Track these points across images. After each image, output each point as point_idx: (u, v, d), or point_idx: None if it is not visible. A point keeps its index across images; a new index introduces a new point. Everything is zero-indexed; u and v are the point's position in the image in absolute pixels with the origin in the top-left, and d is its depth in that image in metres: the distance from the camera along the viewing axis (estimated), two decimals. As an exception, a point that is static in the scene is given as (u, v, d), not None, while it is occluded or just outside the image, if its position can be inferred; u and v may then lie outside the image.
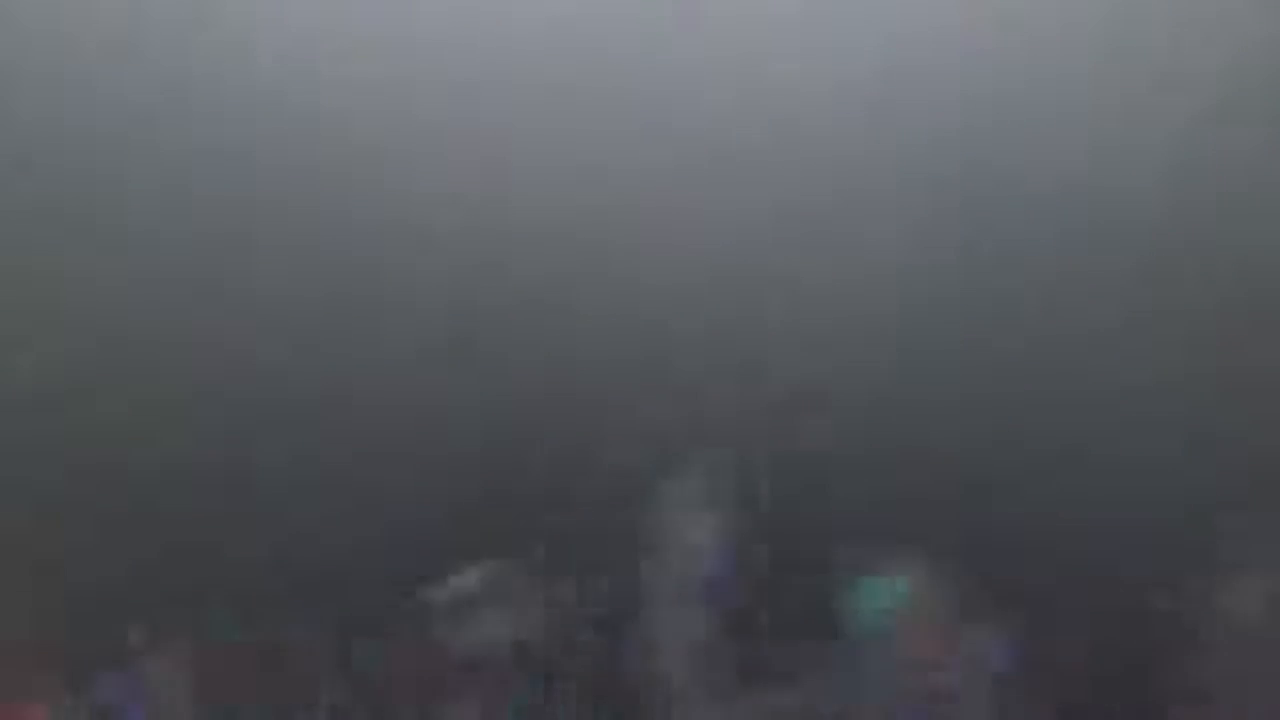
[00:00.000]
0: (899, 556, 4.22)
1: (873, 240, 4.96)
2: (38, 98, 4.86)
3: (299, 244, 4.99)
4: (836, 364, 4.79)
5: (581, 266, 5.01)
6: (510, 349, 5.05)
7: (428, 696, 4.40)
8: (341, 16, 4.83)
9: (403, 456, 4.93)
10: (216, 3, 4.86)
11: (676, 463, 4.74)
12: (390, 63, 4.85)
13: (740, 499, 4.30)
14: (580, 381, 5.00)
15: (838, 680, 4.12)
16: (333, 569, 4.77)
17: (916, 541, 4.53)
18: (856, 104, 4.86)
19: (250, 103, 4.88)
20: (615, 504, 4.54)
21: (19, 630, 4.11)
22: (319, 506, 4.92)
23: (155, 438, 4.90)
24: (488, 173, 4.92)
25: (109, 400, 4.89)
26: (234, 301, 5.02)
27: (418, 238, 4.96)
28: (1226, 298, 4.74)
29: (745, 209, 5.01)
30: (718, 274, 5.01)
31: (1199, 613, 4.38)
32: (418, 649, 4.52)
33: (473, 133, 4.89)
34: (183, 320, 4.98)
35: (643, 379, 4.97)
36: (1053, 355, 4.88)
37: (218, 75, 4.88)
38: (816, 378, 4.70)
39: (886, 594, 4.16)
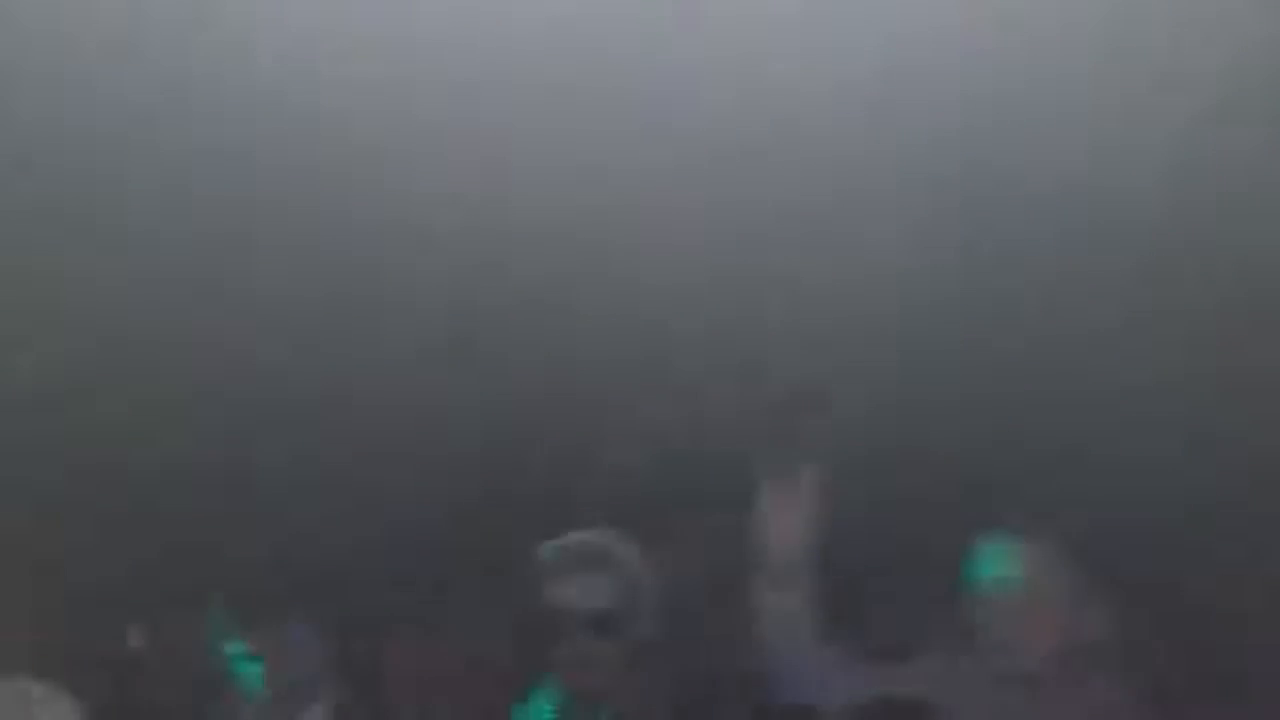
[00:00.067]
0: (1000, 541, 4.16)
1: (873, 240, 4.96)
2: (38, 98, 4.86)
3: (299, 244, 5.00)
4: (836, 364, 4.79)
5: (581, 266, 5.02)
6: (510, 349, 5.05)
7: (431, 696, 4.40)
8: (341, 16, 4.83)
9: (403, 456, 4.93)
10: (216, 3, 4.86)
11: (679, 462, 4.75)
12: (390, 63, 4.85)
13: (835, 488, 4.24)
14: (580, 381, 5.01)
15: (934, 658, 4.07)
16: (333, 569, 4.77)
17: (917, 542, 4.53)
18: (856, 104, 4.86)
19: (250, 103, 4.87)
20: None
21: (19, 630, 4.11)
22: (319, 506, 4.92)
23: (155, 438, 4.90)
24: (488, 173, 4.92)
25: (109, 400, 4.89)
26: (234, 301, 5.02)
27: (418, 238, 4.97)
28: (1226, 298, 4.74)
29: (745, 209, 5.01)
30: (718, 274, 5.01)
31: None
32: (420, 648, 4.52)
33: (473, 133, 4.89)
34: (183, 320, 4.98)
35: (643, 379, 4.98)
36: (1053, 355, 4.88)
37: (217, 75, 4.87)
38: (816, 378, 4.69)
39: (995, 573, 4.09)
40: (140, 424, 4.90)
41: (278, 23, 4.86)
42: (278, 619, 4.42)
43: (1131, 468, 4.63)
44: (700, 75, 4.92)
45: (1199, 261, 4.78)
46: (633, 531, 4.12)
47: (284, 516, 4.86)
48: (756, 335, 4.97)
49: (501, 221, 4.98)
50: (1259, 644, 4.47)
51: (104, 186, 4.96)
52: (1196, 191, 4.77)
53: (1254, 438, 4.68)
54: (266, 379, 4.96)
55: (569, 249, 5.01)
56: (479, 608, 4.59)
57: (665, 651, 4.03)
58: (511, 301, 5.05)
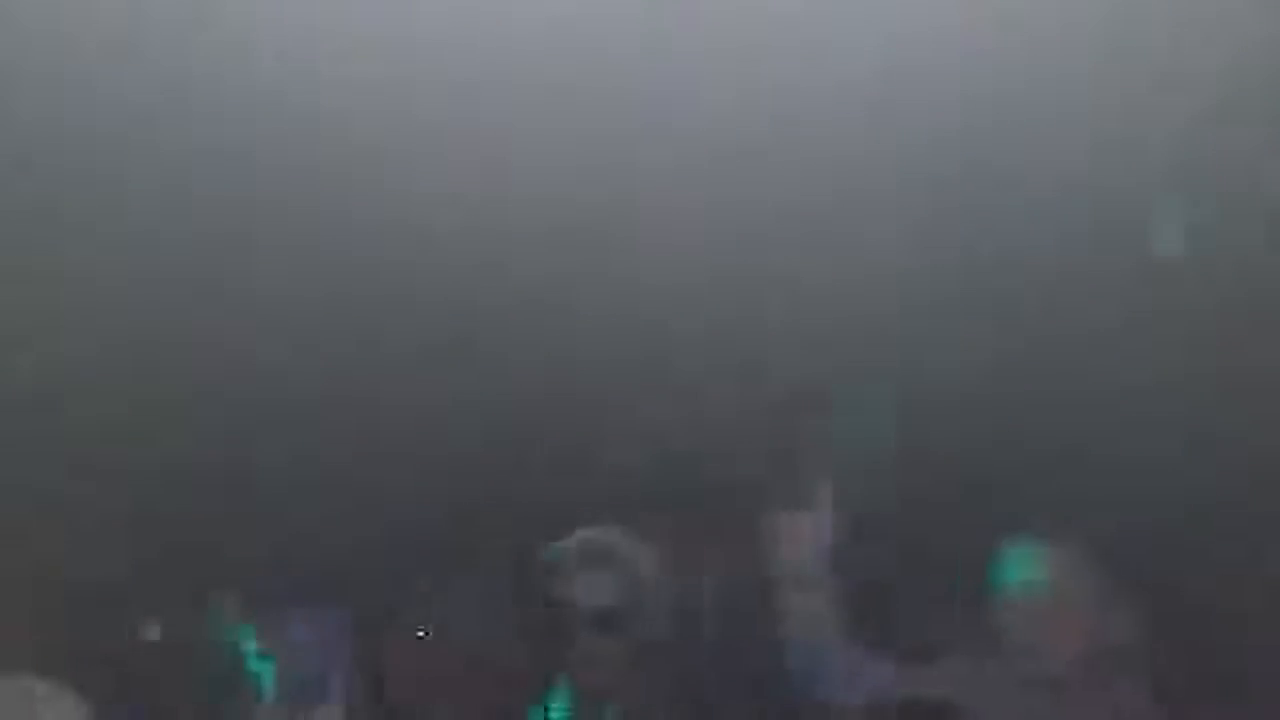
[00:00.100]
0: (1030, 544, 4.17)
1: (872, 240, 4.96)
2: (37, 98, 4.86)
3: (299, 244, 4.99)
4: (836, 364, 4.79)
5: (581, 266, 5.01)
6: (510, 349, 5.05)
7: (440, 696, 4.39)
8: (341, 16, 4.83)
9: (402, 456, 4.93)
10: (216, 2, 4.86)
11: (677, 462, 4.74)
12: (390, 63, 4.85)
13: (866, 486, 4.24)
14: (580, 381, 5.01)
15: (959, 660, 4.06)
16: (338, 567, 4.77)
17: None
18: (856, 104, 4.86)
19: (250, 103, 4.87)
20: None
21: (21, 629, 4.11)
22: (319, 506, 4.92)
23: (155, 438, 4.90)
24: (487, 173, 4.92)
25: (109, 400, 4.89)
26: (234, 301, 5.02)
27: (418, 238, 4.96)
28: (1226, 298, 4.74)
29: (745, 209, 5.01)
30: (718, 274, 5.01)
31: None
32: (428, 648, 4.52)
33: (472, 133, 4.89)
34: (183, 320, 4.98)
35: (643, 379, 4.98)
36: (1053, 355, 4.88)
37: (218, 75, 4.88)
38: (816, 378, 4.70)
39: (1021, 576, 4.08)
40: (140, 424, 4.90)
41: (277, 22, 4.86)
42: (287, 618, 4.42)
43: (1131, 468, 4.63)
44: (700, 75, 4.92)
45: (1199, 261, 4.79)
46: (636, 530, 4.12)
47: (285, 516, 4.85)
48: (756, 335, 4.97)
49: (501, 221, 4.97)
50: (1259, 644, 4.46)
51: (104, 186, 4.96)
52: (1196, 191, 4.77)
53: (1254, 438, 4.67)
54: (266, 379, 4.96)
55: (569, 249, 5.01)
56: (482, 607, 4.58)
57: (673, 651, 4.03)
58: (511, 301, 5.05)
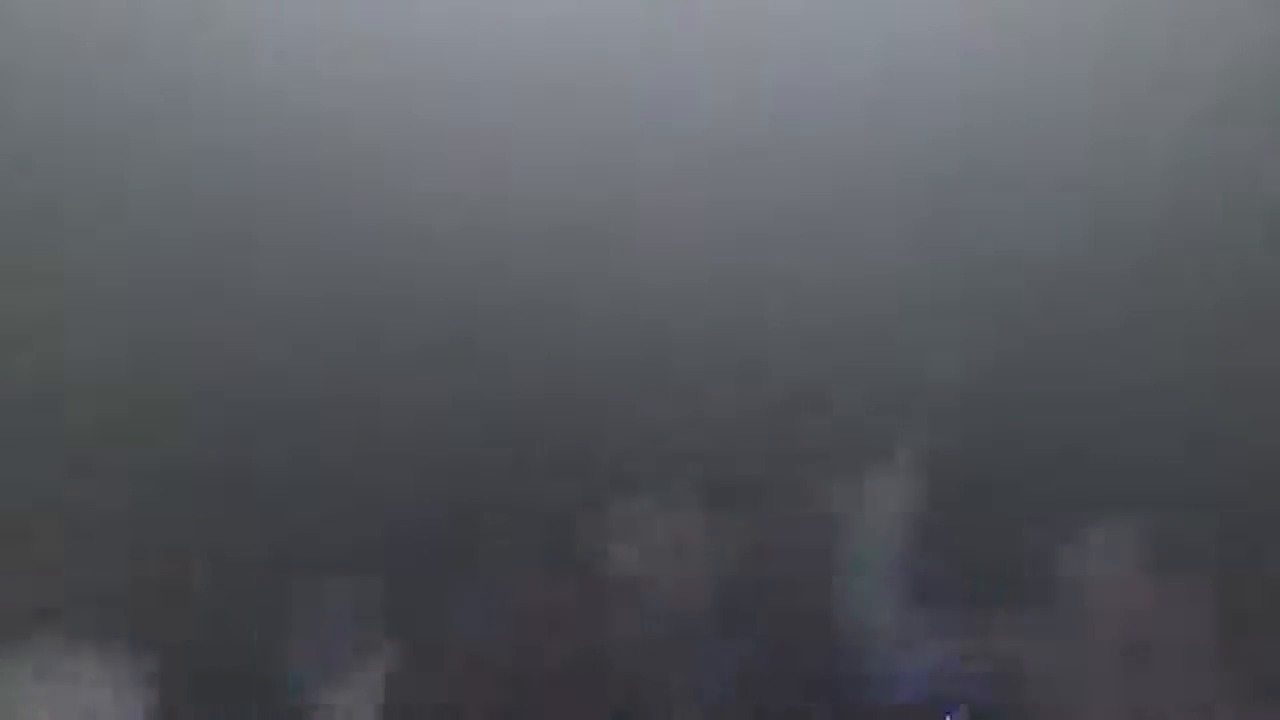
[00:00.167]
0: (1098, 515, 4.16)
1: (873, 240, 4.95)
2: (38, 98, 4.85)
3: (299, 244, 4.99)
4: (836, 364, 4.78)
5: (581, 266, 5.01)
6: (510, 349, 5.04)
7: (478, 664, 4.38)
8: (341, 17, 4.82)
9: (403, 456, 4.93)
10: (216, 3, 4.85)
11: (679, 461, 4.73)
12: (390, 63, 4.84)
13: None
14: (580, 381, 5.00)
15: (1026, 623, 4.05)
16: (368, 542, 4.75)
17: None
18: (856, 104, 4.85)
19: (250, 103, 4.87)
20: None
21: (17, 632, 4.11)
22: (319, 507, 4.91)
23: (155, 438, 4.89)
24: (488, 173, 4.91)
25: (109, 400, 4.88)
26: (234, 301, 5.01)
27: (418, 238, 4.95)
28: (1226, 297, 4.74)
29: (745, 209, 5.00)
30: (717, 274, 5.00)
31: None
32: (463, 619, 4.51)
33: (473, 133, 4.88)
34: (183, 320, 4.97)
35: (643, 379, 4.97)
36: (1053, 355, 4.87)
37: (218, 75, 4.87)
38: (816, 378, 4.69)
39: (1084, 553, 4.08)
40: (140, 424, 4.89)
41: (277, 23, 4.85)
42: (324, 588, 4.41)
43: (1130, 468, 4.62)
44: (700, 75, 4.91)
45: (1199, 261, 4.77)
46: (674, 500, 4.09)
47: (284, 516, 4.85)
48: (756, 335, 4.96)
49: (501, 222, 4.96)
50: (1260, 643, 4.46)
51: (104, 186, 4.95)
52: (1196, 191, 4.76)
53: (1254, 438, 4.67)
54: (266, 379, 4.95)
55: (569, 249, 5.00)
56: (518, 580, 4.57)
57: (716, 622, 4.00)
58: (511, 301, 5.04)
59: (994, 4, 4.79)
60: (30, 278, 4.96)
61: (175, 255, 4.97)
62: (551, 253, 5.03)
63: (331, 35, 4.92)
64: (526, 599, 4.50)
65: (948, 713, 4.03)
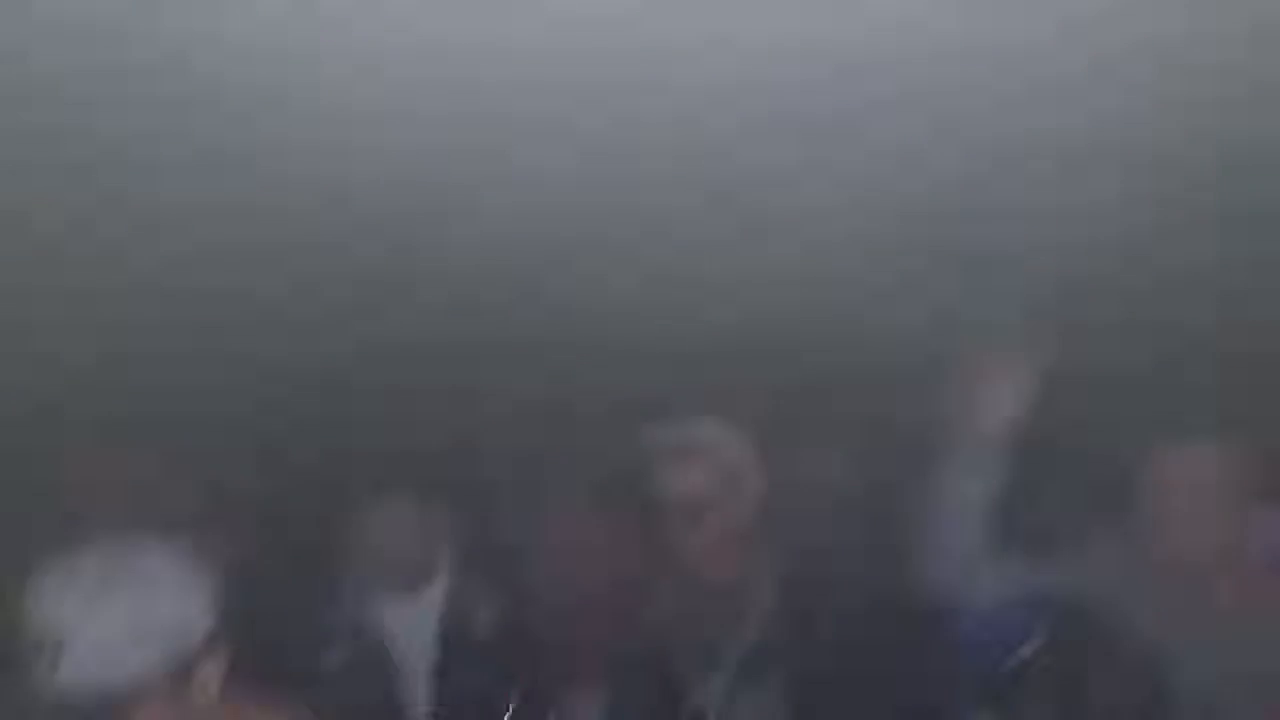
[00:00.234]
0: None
1: (873, 239, 4.96)
2: (38, 98, 4.88)
3: (299, 244, 5.01)
4: (836, 363, 4.79)
5: (581, 266, 5.03)
6: (510, 348, 5.07)
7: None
8: (342, 17, 4.84)
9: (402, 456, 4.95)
10: (217, 3, 4.87)
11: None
12: (391, 63, 4.86)
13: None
14: (580, 380, 5.02)
15: (1094, 551, 3.96)
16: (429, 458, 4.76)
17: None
18: (857, 102, 4.86)
19: (250, 102, 4.89)
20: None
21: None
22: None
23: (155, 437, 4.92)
24: (487, 172, 4.93)
25: (109, 400, 4.92)
26: (234, 301, 5.04)
27: (418, 237, 4.98)
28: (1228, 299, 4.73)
29: (745, 208, 5.02)
30: (716, 273, 5.02)
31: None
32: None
33: (472, 132, 4.90)
34: (183, 319, 5.00)
35: (642, 379, 4.98)
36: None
37: (219, 75, 4.89)
38: (816, 377, 4.70)
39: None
40: (140, 424, 4.92)
41: (278, 23, 4.87)
42: (385, 503, 4.41)
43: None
44: (700, 75, 4.92)
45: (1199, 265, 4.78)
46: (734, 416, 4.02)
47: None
48: (756, 334, 4.97)
49: (502, 221, 4.99)
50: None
51: (104, 186, 4.98)
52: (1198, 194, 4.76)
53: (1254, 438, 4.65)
54: (266, 378, 4.98)
55: (570, 249, 5.02)
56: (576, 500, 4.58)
57: (773, 546, 3.94)
58: (511, 301, 5.07)
59: (994, 4, 4.78)
60: (30, 276, 5.01)
61: (175, 255, 5.01)
62: (552, 252, 5.06)
63: (332, 35, 4.93)
64: (578, 527, 4.49)
65: (1019, 643, 3.89)
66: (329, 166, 5.01)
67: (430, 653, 4.37)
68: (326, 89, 4.88)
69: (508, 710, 4.21)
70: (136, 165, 5.02)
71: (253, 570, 3.92)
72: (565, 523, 4.57)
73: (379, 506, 4.38)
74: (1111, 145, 4.83)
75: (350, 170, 5.04)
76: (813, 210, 5.01)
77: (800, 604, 3.87)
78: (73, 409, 4.87)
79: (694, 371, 4.30)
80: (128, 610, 2.61)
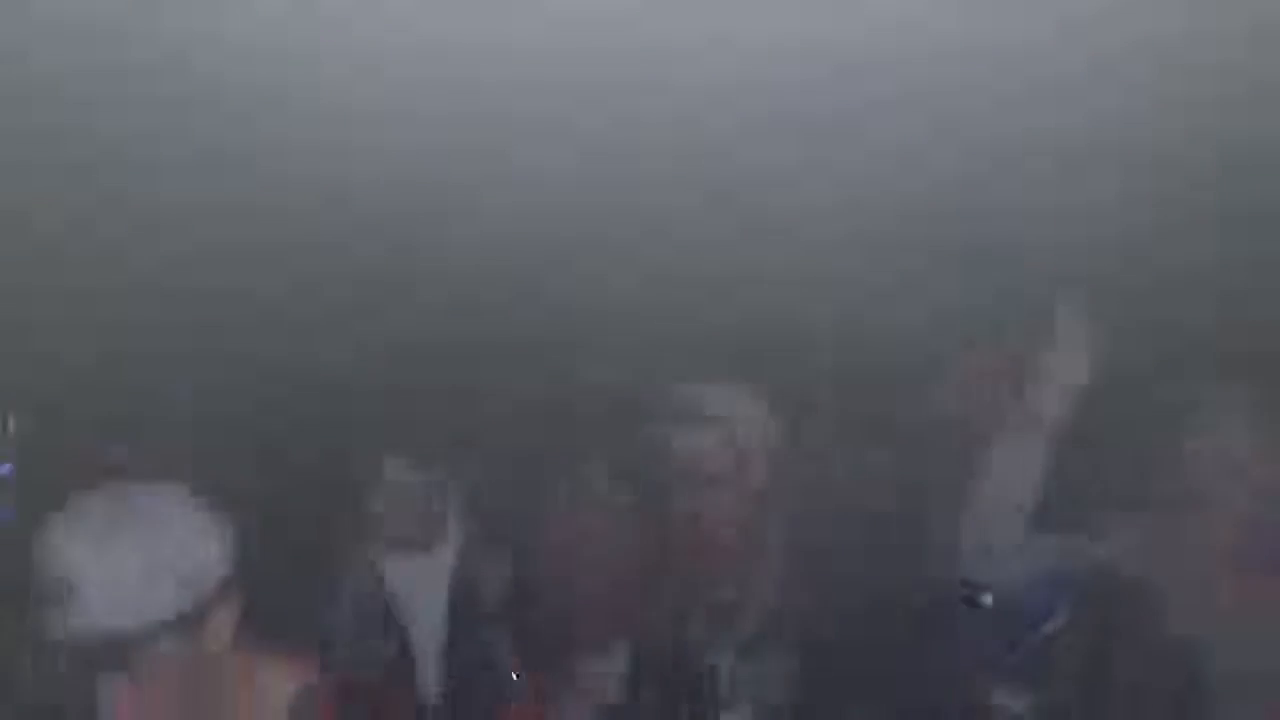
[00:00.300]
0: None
1: (873, 238, 4.96)
2: (38, 97, 4.88)
3: (299, 244, 5.01)
4: (836, 363, 4.79)
5: (582, 266, 5.03)
6: (511, 348, 5.07)
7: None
8: (342, 18, 4.84)
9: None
10: (219, 3, 4.88)
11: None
12: (391, 64, 4.86)
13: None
14: (579, 380, 5.02)
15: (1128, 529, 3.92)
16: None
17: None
18: (857, 100, 4.86)
19: (250, 103, 4.89)
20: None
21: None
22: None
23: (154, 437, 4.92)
24: (487, 172, 4.94)
25: (109, 400, 4.92)
26: (234, 301, 5.04)
27: (417, 237, 4.98)
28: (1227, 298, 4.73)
29: (745, 208, 5.02)
30: (716, 272, 5.02)
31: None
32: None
33: (472, 132, 4.90)
34: (182, 320, 5.00)
35: (641, 379, 4.98)
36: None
37: (219, 75, 4.89)
38: (816, 377, 4.70)
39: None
40: (140, 424, 4.93)
41: (278, 23, 4.87)
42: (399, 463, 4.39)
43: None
44: (700, 74, 4.92)
45: (1199, 265, 4.77)
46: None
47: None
48: (755, 335, 4.97)
49: (502, 221, 4.99)
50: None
51: (104, 186, 4.99)
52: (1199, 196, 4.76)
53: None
54: (266, 378, 4.98)
55: (570, 249, 5.02)
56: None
57: (787, 510, 3.92)
58: (511, 301, 5.07)
59: (994, 4, 4.79)
60: (30, 274, 5.02)
61: (175, 255, 5.02)
62: (552, 252, 5.07)
63: (332, 36, 4.94)
64: (591, 489, 4.48)
65: (1046, 616, 3.84)
66: (329, 166, 5.02)
67: (440, 612, 4.37)
68: (326, 89, 4.90)
69: (516, 674, 4.22)
70: (136, 165, 5.03)
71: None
72: (574, 497, 4.57)
73: (388, 467, 4.37)
74: (1111, 145, 4.83)
75: (350, 170, 5.05)
76: (813, 210, 5.02)
77: (816, 573, 3.85)
78: (73, 409, 4.87)
79: (694, 371, 4.28)
80: (138, 552, 2.57)
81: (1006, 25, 4.74)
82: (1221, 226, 4.82)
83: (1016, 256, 4.87)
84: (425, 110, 4.92)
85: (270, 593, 2.83)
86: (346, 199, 5.12)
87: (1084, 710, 3.73)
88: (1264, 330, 4.60)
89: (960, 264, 4.90)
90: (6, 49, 4.80)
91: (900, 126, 4.93)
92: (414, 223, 5.21)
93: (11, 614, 2.70)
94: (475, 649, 4.33)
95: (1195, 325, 4.72)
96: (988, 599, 3.74)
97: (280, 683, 2.79)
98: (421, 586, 4.37)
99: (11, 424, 4.72)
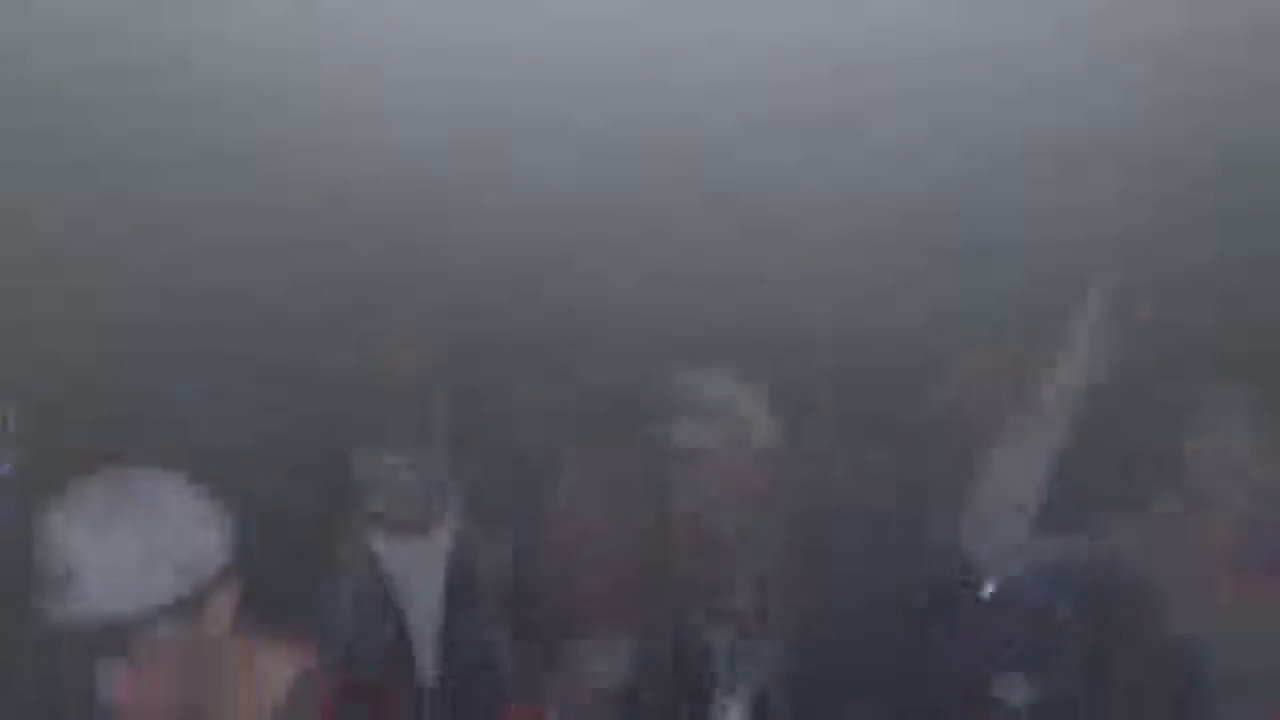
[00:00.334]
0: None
1: (874, 239, 4.96)
2: (38, 97, 4.88)
3: (298, 244, 5.01)
4: (836, 363, 4.79)
5: (582, 266, 5.02)
6: (511, 348, 5.06)
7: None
8: (343, 18, 4.84)
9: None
10: (219, 3, 4.88)
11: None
12: (391, 64, 4.86)
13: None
14: (578, 380, 5.01)
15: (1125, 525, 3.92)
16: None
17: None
18: (857, 100, 4.86)
19: (250, 102, 4.89)
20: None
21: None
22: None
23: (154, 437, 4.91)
24: (487, 172, 4.93)
25: (109, 399, 4.91)
26: (234, 301, 5.04)
27: (417, 237, 4.98)
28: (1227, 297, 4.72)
29: (745, 208, 5.01)
30: (716, 273, 5.01)
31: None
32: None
33: (472, 132, 4.90)
34: (181, 320, 5.00)
35: (641, 379, 4.97)
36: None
37: (219, 75, 4.89)
38: (816, 377, 4.69)
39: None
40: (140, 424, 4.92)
41: (279, 23, 4.87)
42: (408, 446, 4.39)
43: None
44: (700, 74, 4.92)
45: (1198, 264, 4.77)
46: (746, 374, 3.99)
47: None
48: (754, 335, 4.96)
49: (502, 221, 4.99)
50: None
51: (105, 185, 4.99)
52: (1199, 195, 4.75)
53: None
54: (266, 378, 4.97)
55: (571, 250, 5.02)
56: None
57: (787, 509, 3.92)
58: (511, 301, 5.06)
59: (994, 4, 4.80)
60: (30, 273, 5.02)
61: (174, 255, 5.02)
62: (552, 251, 5.07)
63: (333, 36, 4.94)
64: (591, 471, 4.48)
65: (1048, 612, 3.82)
66: (329, 166, 5.02)
67: (437, 596, 4.37)
68: (326, 89, 4.90)
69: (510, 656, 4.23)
70: (136, 165, 5.04)
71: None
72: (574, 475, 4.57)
73: (386, 466, 4.37)
74: (1111, 145, 4.83)
75: (350, 170, 5.05)
76: (813, 210, 5.02)
77: (816, 572, 3.85)
78: (73, 408, 4.87)
79: (693, 371, 4.28)
80: (137, 537, 2.57)
81: (1006, 25, 4.74)
82: (1221, 226, 4.81)
83: (1016, 256, 4.87)
84: (425, 110, 4.92)
85: (269, 578, 2.83)
86: (346, 199, 5.12)
87: (1084, 710, 3.73)
88: (1264, 330, 4.59)
89: (960, 264, 4.90)
90: (6, 49, 4.80)
91: (900, 126, 4.93)
92: (414, 223, 5.22)
93: (11, 605, 2.70)
94: (472, 633, 4.34)
95: (1195, 325, 4.71)
96: (989, 587, 3.74)
97: (279, 667, 2.79)
98: (419, 570, 4.38)
99: (12, 423, 4.72)
